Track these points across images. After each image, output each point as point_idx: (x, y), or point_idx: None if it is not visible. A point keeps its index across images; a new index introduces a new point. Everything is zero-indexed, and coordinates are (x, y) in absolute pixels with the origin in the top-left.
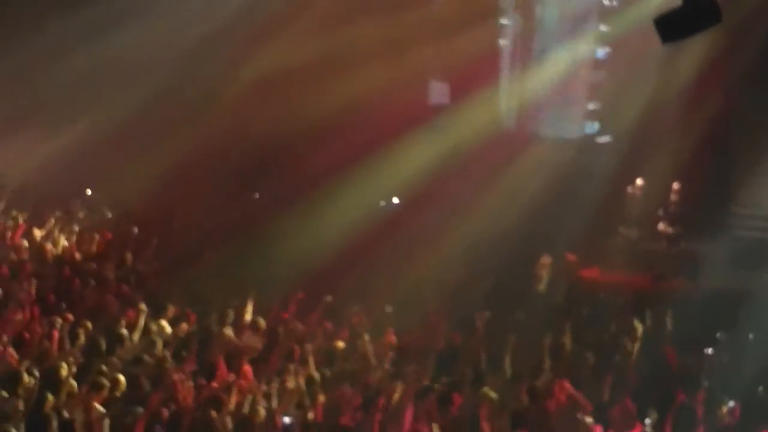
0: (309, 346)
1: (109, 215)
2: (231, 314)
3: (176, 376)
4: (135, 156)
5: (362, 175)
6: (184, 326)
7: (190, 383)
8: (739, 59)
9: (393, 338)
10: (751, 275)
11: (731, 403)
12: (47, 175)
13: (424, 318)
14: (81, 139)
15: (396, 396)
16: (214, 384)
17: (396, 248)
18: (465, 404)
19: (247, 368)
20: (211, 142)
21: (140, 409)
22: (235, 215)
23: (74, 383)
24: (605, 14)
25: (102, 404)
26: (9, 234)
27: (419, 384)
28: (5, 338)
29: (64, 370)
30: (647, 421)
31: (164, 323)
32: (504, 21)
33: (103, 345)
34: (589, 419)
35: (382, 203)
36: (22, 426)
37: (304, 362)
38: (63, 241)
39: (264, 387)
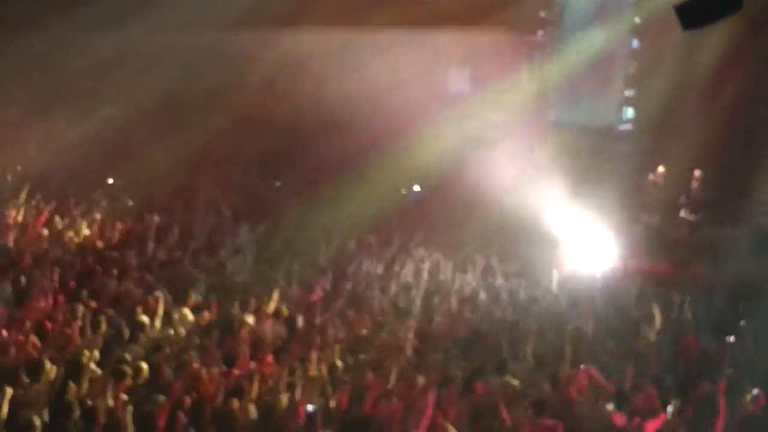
0: (331, 335)
1: (131, 203)
2: (253, 302)
3: (198, 365)
4: (157, 144)
5: (383, 163)
6: (206, 314)
7: (213, 371)
8: (760, 47)
9: (415, 326)
10: None
11: (755, 391)
12: (69, 164)
13: (446, 306)
14: (103, 127)
15: (418, 384)
16: (237, 372)
17: (417, 236)
18: (487, 392)
19: (270, 356)
20: (233, 131)
21: (162, 397)
22: (257, 203)
23: (96, 371)
24: (628, 3)
25: (124, 392)
26: (31, 222)
27: (442, 372)
28: (28, 326)
29: (86, 358)
30: (669, 409)
31: (186, 311)
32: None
33: (125, 333)
34: (610, 406)
35: (404, 191)
36: (45, 414)
37: (326, 350)
38: (85, 230)
39: (286, 375)
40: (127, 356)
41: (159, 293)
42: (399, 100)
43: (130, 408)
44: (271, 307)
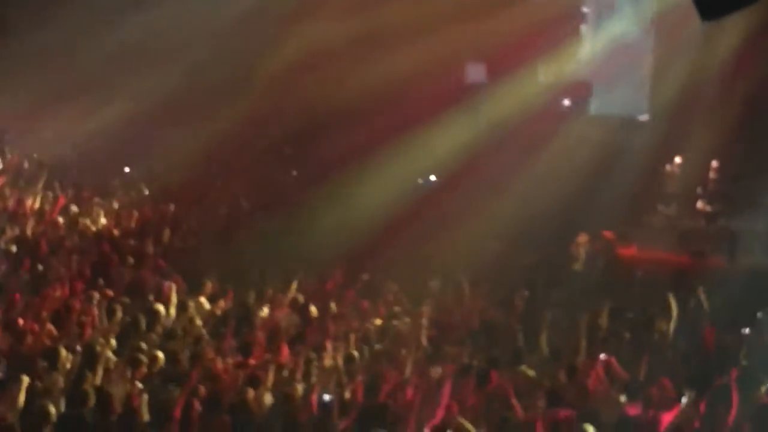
0: (347, 324)
1: (147, 192)
2: (269, 292)
3: (214, 354)
4: (173, 133)
5: (400, 152)
6: (222, 303)
7: (228, 361)
8: None
9: (430, 316)
10: None
11: None
12: (86, 152)
13: (461, 296)
14: (119, 116)
15: (434, 374)
16: (252, 362)
17: (433, 226)
18: (501, 382)
19: (285, 346)
20: (249, 120)
21: (178, 386)
22: (273, 192)
23: (113, 359)
24: None
25: (140, 380)
26: (48, 210)
27: (457, 362)
28: (44, 314)
29: (102, 346)
30: (683, 400)
31: (203, 300)
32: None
33: (142, 321)
34: (623, 397)
35: (420, 181)
36: (62, 402)
37: (341, 340)
38: (101, 218)
39: (302, 365)
40: (143, 345)
41: (172, 282)
42: (416, 90)
43: (146, 396)
44: (288, 296)
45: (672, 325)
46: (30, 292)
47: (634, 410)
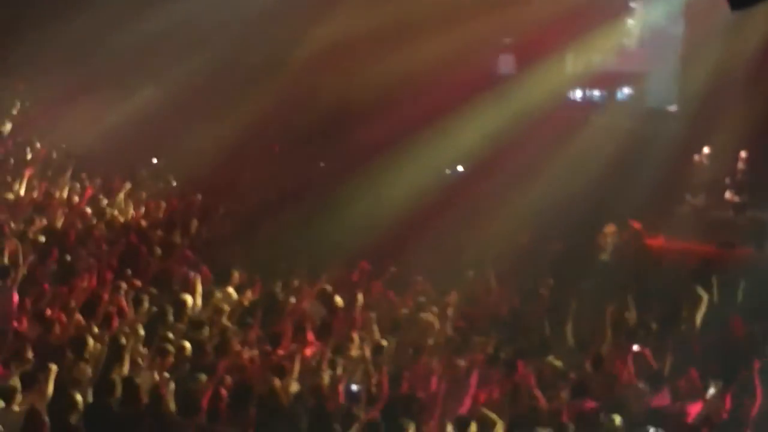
0: (374, 315)
1: (174, 183)
2: (296, 282)
3: (241, 344)
4: (200, 123)
5: (428, 143)
6: (250, 293)
7: (255, 351)
8: None
9: (457, 306)
10: None
11: None
12: (113, 143)
13: (488, 286)
14: (147, 106)
15: (460, 365)
16: (280, 352)
17: (461, 216)
18: (526, 373)
19: (312, 336)
20: (277, 109)
21: (204, 376)
22: (301, 182)
23: (140, 349)
24: None
25: (167, 370)
26: (76, 200)
27: (484, 352)
28: (73, 304)
29: (130, 336)
30: (710, 391)
31: (231, 290)
32: None
33: (169, 311)
34: (647, 388)
35: (448, 171)
36: (90, 391)
37: (368, 330)
38: (129, 209)
39: (329, 355)
40: (170, 335)
41: (198, 272)
42: (444, 80)
43: (173, 386)
44: (316, 287)
45: (699, 316)
46: (58, 283)
47: (661, 401)
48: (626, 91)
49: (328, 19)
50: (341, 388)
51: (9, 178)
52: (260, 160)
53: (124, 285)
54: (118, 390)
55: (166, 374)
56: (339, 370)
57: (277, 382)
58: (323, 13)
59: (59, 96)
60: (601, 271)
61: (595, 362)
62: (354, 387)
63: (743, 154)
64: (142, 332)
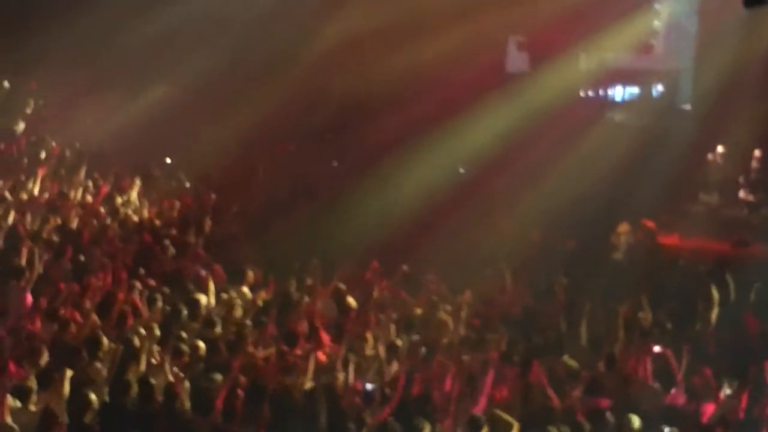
0: (388, 314)
1: (188, 182)
2: (310, 281)
3: (255, 343)
4: (213, 121)
5: (440, 140)
6: (264, 293)
7: (270, 350)
8: None
9: (470, 305)
10: None
11: None
12: (126, 141)
13: (502, 285)
14: (159, 104)
15: (475, 363)
16: (294, 351)
17: (473, 214)
18: (539, 372)
19: (326, 335)
20: (289, 108)
21: (219, 376)
22: (313, 181)
23: (155, 348)
24: None
25: (182, 370)
26: (90, 199)
27: (498, 350)
28: (87, 303)
29: (144, 336)
30: (727, 391)
31: (245, 289)
32: None
33: (183, 311)
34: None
35: (461, 170)
36: (104, 391)
37: (382, 329)
38: (143, 208)
39: (343, 354)
40: (184, 334)
41: (211, 271)
42: (456, 78)
43: (187, 385)
44: (329, 286)
45: (714, 315)
46: (72, 282)
47: (676, 401)
48: (640, 89)
49: (340, 17)
50: (356, 387)
51: (23, 177)
52: (273, 158)
53: (138, 284)
54: (134, 389)
55: (181, 373)
56: (353, 370)
57: (291, 381)
58: (334, 11)
59: (72, 95)
60: (614, 270)
61: (608, 362)
62: (368, 386)
63: (757, 152)
64: (157, 332)
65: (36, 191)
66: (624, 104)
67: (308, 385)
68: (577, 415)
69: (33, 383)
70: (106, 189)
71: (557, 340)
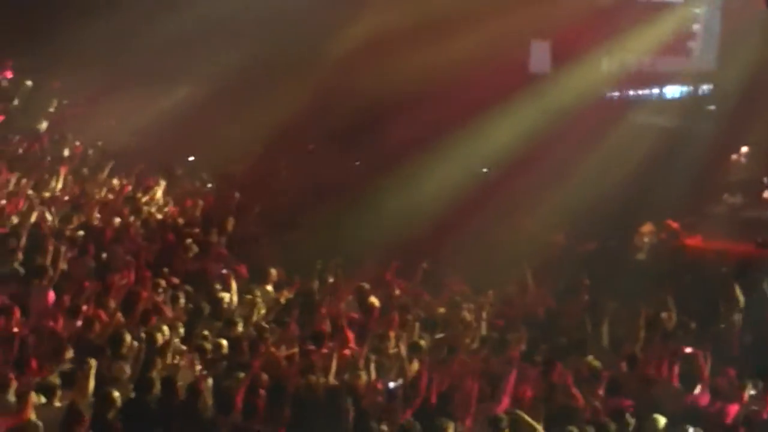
0: (411, 313)
1: (211, 181)
2: (333, 280)
3: (277, 342)
4: (236, 120)
5: (463, 140)
6: (286, 291)
7: (292, 349)
8: None
9: (493, 305)
10: None
11: None
12: (149, 140)
13: (523, 285)
14: (182, 103)
15: (497, 363)
16: (316, 350)
17: (496, 215)
18: (563, 372)
19: (349, 334)
20: (312, 107)
21: (241, 374)
22: (336, 180)
23: (178, 346)
24: None
25: (204, 367)
26: (113, 198)
27: (521, 351)
28: (110, 301)
29: (167, 334)
30: (751, 391)
31: (269, 288)
32: None
33: (206, 309)
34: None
35: (484, 170)
36: (128, 389)
37: (405, 329)
38: (166, 206)
39: (365, 353)
40: (207, 332)
41: (234, 270)
42: (479, 77)
43: (210, 383)
44: (352, 284)
45: (738, 316)
46: (96, 280)
47: (700, 401)
48: (663, 90)
49: (363, 17)
50: (378, 386)
51: (46, 176)
52: (295, 158)
53: (162, 283)
54: (156, 387)
55: (204, 372)
56: (375, 369)
57: (313, 380)
58: (357, 11)
59: (95, 94)
60: (637, 270)
61: (630, 362)
62: (391, 385)
63: None
64: (181, 330)
65: (59, 189)
66: (647, 105)
67: (331, 384)
68: (600, 416)
69: (57, 381)
70: (128, 188)
71: (580, 341)
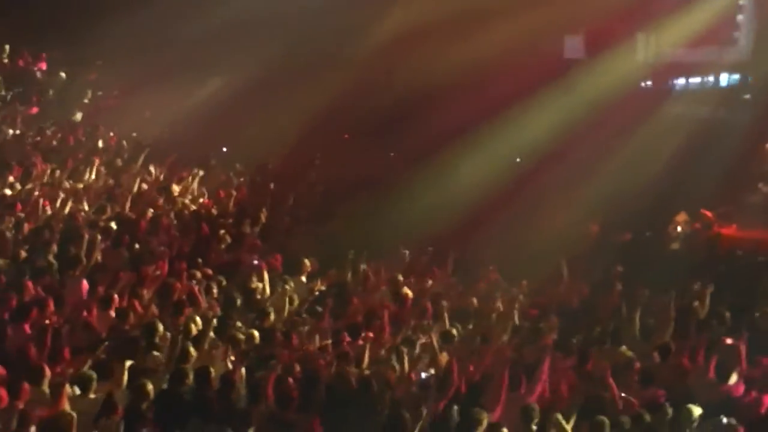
0: (444, 303)
1: (245, 172)
2: (366, 271)
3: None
4: (270, 112)
5: (496, 130)
6: (319, 282)
7: (326, 339)
8: None
9: (527, 295)
10: None
11: None
12: (183, 132)
13: (557, 275)
14: (216, 95)
15: (530, 353)
16: (349, 340)
17: (530, 205)
18: (599, 362)
19: (382, 324)
20: (346, 98)
21: (274, 365)
22: (370, 171)
23: (212, 337)
24: None
25: (237, 358)
26: (147, 189)
27: (555, 341)
28: (144, 292)
29: (200, 325)
30: None
31: (303, 279)
32: None
33: (239, 300)
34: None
35: (518, 160)
36: (162, 380)
37: (437, 319)
38: (200, 197)
39: (398, 344)
40: (240, 323)
41: (267, 261)
42: (511, 68)
43: (243, 373)
44: (385, 275)
45: None
46: (130, 271)
47: (734, 391)
48: (699, 79)
49: (398, 9)
50: (411, 377)
51: (80, 167)
52: (329, 149)
53: (197, 274)
54: (190, 378)
55: (237, 362)
56: (408, 359)
57: (346, 370)
58: (393, 3)
59: (129, 85)
60: (672, 260)
61: (662, 352)
62: (424, 375)
63: None
64: (215, 321)
65: (92, 180)
66: (683, 95)
67: (364, 374)
68: (635, 406)
69: (92, 372)
70: (162, 179)
71: (614, 331)
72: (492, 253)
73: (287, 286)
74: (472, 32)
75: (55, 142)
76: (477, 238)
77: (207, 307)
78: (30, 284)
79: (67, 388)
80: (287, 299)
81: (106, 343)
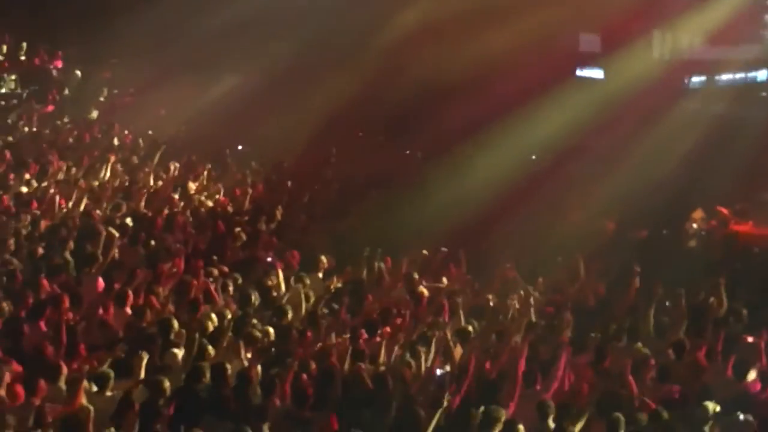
0: (459, 300)
1: (260, 169)
2: (382, 268)
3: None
4: (285, 109)
5: (512, 127)
6: (335, 279)
7: (342, 336)
8: None
9: (543, 292)
10: None
11: None
12: (199, 129)
13: (573, 273)
14: (231, 92)
15: (547, 349)
16: (366, 337)
17: (546, 202)
18: (618, 359)
19: (398, 322)
20: (361, 95)
21: (290, 362)
22: (385, 168)
23: (229, 334)
24: None
25: (253, 355)
26: (163, 187)
27: (571, 338)
28: (161, 290)
29: (217, 322)
30: None
31: (319, 276)
32: None
33: (254, 297)
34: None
35: (534, 157)
36: (179, 377)
37: (453, 316)
38: (216, 195)
39: (414, 341)
40: (256, 321)
41: (283, 259)
42: (526, 65)
43: (258, 371)
44: (401, 272)
45: None
46: (146, 268)
47: (752, 388)
48: (716, 77)
49: (413, 5)
50: (427, 374)
51: (97, 165)
52: (345, 146)
53: (214, 271)
54: (207, 375)
55: (253, 360)
56: (424, 356)
57: (362, 367)
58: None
59: (145, 83)
60: (688, 257)
61: (677, 349)
62: (439, 371)
63: None
64: (231, 318)
65: (108, 178)
66: (700, 92)
67: (379, 371)
68: (651, 403)
69: (109, 370)
70: (178, 176)
71: (630, 328)
72: (508, 250)
73: (304, 283)
74: (487, 29)
75: (71, 140)
76: (492, 236)
77: (223, 305)
78: (46, 282)
79: (85, 384)
80: (303, 296)
81: (123, 340)
